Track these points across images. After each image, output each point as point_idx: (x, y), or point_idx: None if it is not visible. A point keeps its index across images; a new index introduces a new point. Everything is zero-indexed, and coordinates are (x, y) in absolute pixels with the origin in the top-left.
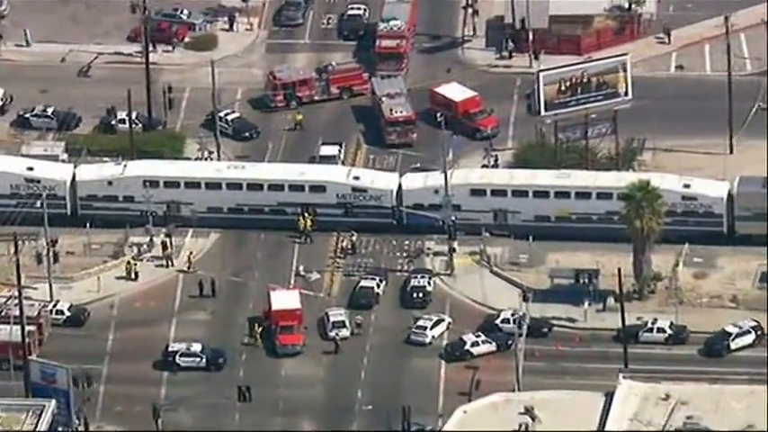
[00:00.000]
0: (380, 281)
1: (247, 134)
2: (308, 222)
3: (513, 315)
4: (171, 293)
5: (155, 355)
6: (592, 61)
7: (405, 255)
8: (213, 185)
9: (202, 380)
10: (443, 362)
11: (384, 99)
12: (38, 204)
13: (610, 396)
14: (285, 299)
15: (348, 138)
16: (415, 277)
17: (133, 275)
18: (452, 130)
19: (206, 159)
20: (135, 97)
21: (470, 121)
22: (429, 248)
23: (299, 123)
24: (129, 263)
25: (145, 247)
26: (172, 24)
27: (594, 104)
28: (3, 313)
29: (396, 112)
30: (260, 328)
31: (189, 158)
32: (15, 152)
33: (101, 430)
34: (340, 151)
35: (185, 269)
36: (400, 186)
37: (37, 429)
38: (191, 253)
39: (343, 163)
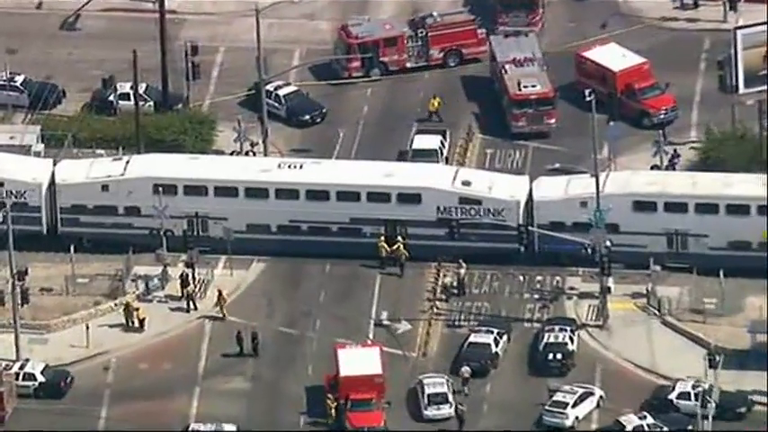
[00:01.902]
0: (500, 335)
1: (308, 117)
2: (396, 247)
3: (695, 387)
4: (193, 351)
5: None
6: None
7: (536, 297)
8: (257, 192)
9: None
10: None
11: (509, 67)
12: None
13: None
14: (360, 360)
15: (455, 123)
16: (552, 330)
17: (137, 323)
18: (609, 113)
19: (246, 154)
20: (143, 62)
21: (635, 101)
22: (572, 288)
23: (436, 111)
24: (130, 305)
25: (155, 281)
26: None
27: None
28: None
29: (526, 87)
30: (335, 403)
31: (221, 152)
32: None
33: None
34: (443, 143)
35: (215, 315)
36: (531, 196)
37: None
38: (220, 293)
39: (447, 161)
